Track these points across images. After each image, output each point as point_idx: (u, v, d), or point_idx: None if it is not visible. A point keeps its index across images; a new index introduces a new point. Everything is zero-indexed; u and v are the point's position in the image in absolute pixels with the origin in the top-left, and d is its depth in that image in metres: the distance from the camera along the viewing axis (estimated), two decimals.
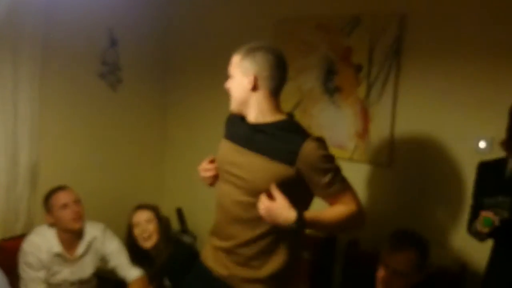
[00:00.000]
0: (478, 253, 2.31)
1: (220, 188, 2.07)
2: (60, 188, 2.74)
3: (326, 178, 1.88)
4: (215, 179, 2.11)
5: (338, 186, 1.90)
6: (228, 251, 2.01)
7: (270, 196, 1.87)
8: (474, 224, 2.13)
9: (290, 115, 2.03)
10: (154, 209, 2.86)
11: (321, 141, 1.91)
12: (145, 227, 2.75)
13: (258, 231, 1.94)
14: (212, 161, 2.13)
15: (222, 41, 3.42)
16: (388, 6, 2.76)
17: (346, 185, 1.93)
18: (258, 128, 1.96)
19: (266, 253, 1.96)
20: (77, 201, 2.73)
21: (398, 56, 2.73)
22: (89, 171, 3.29)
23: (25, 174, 2.89)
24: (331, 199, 1.93)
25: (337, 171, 1.91)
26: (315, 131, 3.00)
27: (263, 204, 1.85)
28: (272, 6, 3.19)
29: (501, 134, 2.15)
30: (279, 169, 1.88)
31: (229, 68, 2.02)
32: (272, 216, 1.85)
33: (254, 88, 1.95)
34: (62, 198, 2.69)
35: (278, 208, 1.84)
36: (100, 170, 3.36)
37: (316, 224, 1.91)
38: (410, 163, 2.77)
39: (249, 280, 1.97)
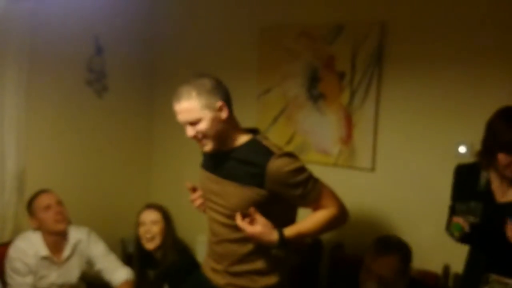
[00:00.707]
0: (460, 255, 2.34)
1: (207, 214, 2.14)
2: (42, 191, 2.77)
3: (299, 191, 1.90)
4: (203, 208, 2.20)
5: (314, 194, 1.94)
6: (224, 271, 2.06)
7: (246, 216, 1.90)
8: (449, 226, 2.16)
9: (254, 131, 2.04)
10: (163, 210, 2.84)
11: (286, 156, 1.90)
12: (149, 227, 2.74)
13: (248, 247, 1.99)
14: (194, 189, 2.20)
15: (207, 48, 3.45)
16: (369, 14, 2.80)
17: (321, 190, 1.96)
18: (226, 156, 1.98)
19: (260, 267, 2.01)
20: (59, 203, 2.76)
21: (380, 63, 2.77)
22: (76, 178, 3.29)
23: (12, 181, 2.89)
24: (311, 206, 1.97)
25: (308, 180, 1.92)
26: (300, 137, 3.05)
27: (246, 231, 1.89)
28: (257, 14, 3.23)
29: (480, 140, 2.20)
30: (252, 192, 1.91)
31: (185, 117, 1.93)
32: (256, 239, 1.91)
33: (227, 115, 1.93)
34: (44, 200, 2.72)
35: (261, 233, 1.89)
36: (86, 177, 3.37)
37: (299, 237, 1.96)
38: (393, 168, 2.82)
39: None
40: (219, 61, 3.36)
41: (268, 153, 1.90)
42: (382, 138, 2.83)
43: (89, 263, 2.87)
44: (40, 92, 3.05)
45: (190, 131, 1.95)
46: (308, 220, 1.99)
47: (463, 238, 2.09)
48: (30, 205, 2.75)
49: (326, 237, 2.93)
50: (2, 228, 2.88)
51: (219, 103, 1.92)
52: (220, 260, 2.07)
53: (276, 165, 1.86)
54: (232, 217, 1.95)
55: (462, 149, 2.57)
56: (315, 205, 1.96)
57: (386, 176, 2.83)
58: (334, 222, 1.99)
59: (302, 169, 1.92)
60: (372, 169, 2.85)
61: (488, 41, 2.49)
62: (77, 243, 2.81)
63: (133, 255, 2.92)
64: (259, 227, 1.88)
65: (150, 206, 2.85)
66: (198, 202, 2.20)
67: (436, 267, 2.64)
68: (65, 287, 2.77)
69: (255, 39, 3.20)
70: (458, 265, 2.46)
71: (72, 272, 2.79)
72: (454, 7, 2.57)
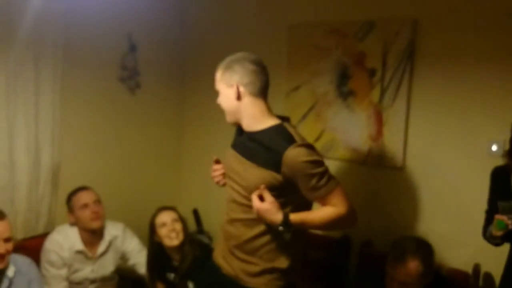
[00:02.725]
0: (491, 254, 2.31)
1: (226, 192, 2.20)
2: (81, 189, 2.82)
3: (312, 183, 1.93)
4: (222, 183, 2.26)
5: (325, 189, 1.95)
6: (231, 249, 2.12)
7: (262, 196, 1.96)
8: (489, 228, 2.13)
9: (284, 119, 2.10)
10: (176, 209, 2.87)
11: (305, 147, 1.94)
12: (172, 226, 2.73)
13: (256, 230, 2.04)
14: (217, 161, 2.30)
15: (238, 46, 3.45)
16: (400, 11, 2.79)
17: (334, 187, 1.96)
18: (250, 136, 2.06)
19: (266, 251, 2.05)
20: (97, 201, 2.80)
21: (411, 59, 2.75)
22: (108, 172, 3.36)
23: (47, 174, 2.96)
24: (320, 201, 1.99)
25: (322, 174, 1.94)
26: (329, 134, 3.05)
27: (254, 204, 1.95)
28: (287, 11, 3.24)
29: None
30: (268, 175, 1.96)
31: (215, 85, 2.11)
32: (261, 216, 1.96)
33: (239, 97, 2.04)
34: (82, 198, 2.77)
35: (267, 209, 1.94)
36: (118, 171, 3.43)
37: (303, 225, 2.00)
38: (423, 166, 2.80)
39: (252, 274, 2.07)
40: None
41: (289, 140, 1.95)
42: (412, 136, 2.81)
43: (123, 258, 2.93)
44: (75, 89, 3.12)
45: (217, 99, 2.11)
46: (314, 212, 2.03)
47: (505, 237, 2.06)
48: (69, 200, 2.81)
49: (355, 233, 2.94)
50: (36, 221, 2.95)
51: (234, 83, 2.03)
52: (229, 240, 2.13)
53: (293, 153, 1.91)
54: (248, 198, 2.00)
55: (494, 147, 2.54)
56: (325, 201, 1.98)
57: (416, 174, 2.81)
58: (339, 221, 2.00)
59: (318, 163, 1.95)
60: (402, 167, 2.84)
61: None
62: (112, 240, 2.87)
63: (149, 262, 2.84)
64: (266, 204, 1.93)
65: (164, 207, 2.83)
66: (219, 172, 2.27)
67: (466, 266, 2.61)
68: (98, 281, 2.83)
69: (285, 36, 3.21)
70: (488, 264, 2.43)
71: (107, 267, 2.84)
72: (486, 2, 2.55)
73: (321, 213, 1.99)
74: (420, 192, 2.81)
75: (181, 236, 2.74)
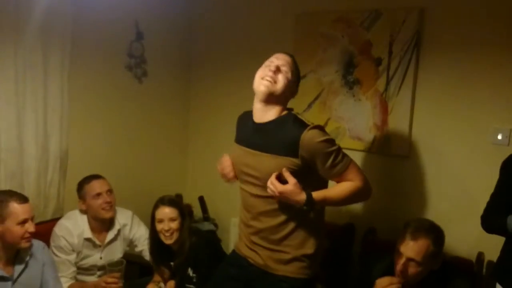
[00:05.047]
0: (495, 243, 2.32)
1: (241, 189, 2.24)
2: (94, 177, 2.81)
3: (329, 161, 2.02)
4: (232, 175, 2.30)
5: (341, 165, 2.04)
6: (258, 241, 2.17)
7: (279, 177, 2.02)
8: (509, 221, 2.10)
9: (290, 109, 2.18)
10: (177, 204, 2.79)
11: (318, 128, 2.03)
12: (169, 225, 2.68)
13: (281, 218, 2.10)
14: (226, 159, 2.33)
15: (244, 34, 3.49)
16: (407, 0, 2.78)
17: (349, 163, 2.06)
18: (260, 127, 2.11)
19: (293, 238, 2.12)
20: (110, 191, 2.82)
21: (418, 49, 2.76)
22: (116, 159, 3.40)
23: (55, 161, 2.99)
24: (337, 178, 2.08)
25: (338, 152, 2.04)
26: (334, 123, 3.07)
27: (277, 189, 1.99)
28: (292, 0, 3.25)
29: None
30: (286, 162, 2.02)
31: (282, 62, 2.13)
32: (285, 198, 2.01)
33: (292, 89, 2.15)
34: (96, 187, 2.77)
35: (291, 191, 1.99)
36: (125, 158, 3.47)
37: (325, 202, 2.08)
38: (428, 155, 2.81)
39: (283, 262, 2.13)
40: (255, 48, 3.39)
41: (302, 125, 2.04)
42: (417, 125, 2.83)
43: (131, 245, 2.97)
44: (82, 77, 3.14)
45: (277, 67, 2.11)
46: (334, 188, 2.10)
47: None
48: (81, 188, 2.80)
49: (359, 221, 2.97)
50: (45, 206, 2.99)
51: (298, 81, 2.22)
52: (256, 233, 2.18)
53: (310, 135, 1.99)
54: (265, 188, 2.05)
55: (499, 137, 2.55)
56: (341, 177, 2.07)
57: (421, 163, 2.83)
58: (358, 194, 2.09)
59: (332, 141, 2.05)
60: (407, 155, 2.85)
61: None
62: (121, 228, 2.89)
63: (151, 249, 2.82)
64: (289, 185, 1.99)
65: (166, 201, 2.75)
66: (227, 170, 2.29)
67: (469, 254, 2.63)
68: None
69: (291, 25, 3.22)
70: (492, 253, 2.45)
71: (115, 254, 2.86)
72: None
73: (340, 188, 2.07)
74: (424, 181, 2.83)
75: (175, 236, 2.69)
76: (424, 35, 2.75)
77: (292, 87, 2.15)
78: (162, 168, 3.73)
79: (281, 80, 2.09)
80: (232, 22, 3.56)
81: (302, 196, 2.00)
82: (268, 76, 2.08)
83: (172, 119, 3.80)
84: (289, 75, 2.11)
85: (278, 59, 2.13)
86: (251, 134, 2.16)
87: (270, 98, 2.09)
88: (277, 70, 2.09)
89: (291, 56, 2.19)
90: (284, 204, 2.06)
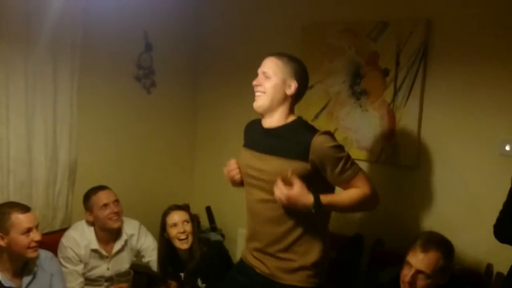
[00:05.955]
0: (504, 254, 2.31)
1: (247, 193, 2.24)
2: (100, 188, 2.82)
3: (339, 167, 2.02)
4: (238, 177, 2.29)
5: (350, 172, 2.04)
6: (265, 249, 2.16)
7: (286, 182, 2.00)
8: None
9: (299, 116, 2.19)
10: (187, 209, 2.85)
11: (328, 134, 2.05)
12: (183, 228, 2.70)
13: (287, 225, 2.09)
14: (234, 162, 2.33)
15: (251, 45, 3.50)
16: (414, 11, 2.79)
17: (357, 170, 2.06)
18: (270, 132, 2.13)
19: (299, 245, 2.11)
20: (117, 201, 2.82)
21: (425, 59, 2.76)
22: (124, 169, 3.40)
23: (64, 171, 3.00)
24: (345, 185, 2.07)
25: (347, 158, 2.04)
26: (342, 133, 3.07)
27: (283, 192, 1.97)
28: (300, 11, 3.26)
29: None
30: (296, 166, 2.02)
31: (265, 67, 2.13)
32: (292, 202, 1.99)
33: (292, 94, 2.11)
34: (103, 198, 2.77)
35: (298, 195, 1.98)
36: (134, 169, 3.48)
37: (332, 207, 2.07)
38: (436, 166, 2.80)
39: (289, 271, 2.12)
40: (262, 59, 3.38)
41: (313, 130, 2.07)
42: (425, 136, 2.82)
43: (138, 255, 2.97)
44: (92, 87, 3.15)
45: (258, 80, 2.14)
46: (342, 193, 2.09)
47: None
48: (87, 200, 2.80)
49: (367, 232, 2.95)
50: (53, 217, 2.99)
51: (292, 82, 2.11)
52: (261, 240, 2.17)
53: (319, 140, 2.00)
54: (272, 192, 2.03)
55: (507, 147, 2.54)
56: (349, 184, 2.06)
57: (429, 173, 2.82)
58: (365, 202, 2.07)
59: (342, 148, 2.06)
60: (415, 167, 2.85)
61: None
62: (128, 239, 2.89)
63: (160, 260, 2.83)
64: (297, 189, 1.97)
65: (176, 207, 2.79)
66: (234, 172, 2.30)
67: (478, 266, 2.61)
68: (115, 276, 2.86)
69: (298, 35, 3.23)
70: (501, 264, 2.43)
71: (122, 264, 2.86)
72: (499, 2, 2.54)
73: (348, 193, 2.07)
74: (433, 192, 2.82)
75: (190, 239, 2.71)
76: (431, 46, 2.75)
77: (283, 87, 2.10)
78: (169, 178, 3.74)
79: (267, 87, 2.10)
80: (240, 34, 3.58)
81: (310, 198, 1.97)
82: (256, 92, 2.13)
83: (180, 129, 3.81)
84: (275, 78, 2.09)
85: (262, 67, 2.15)
86: (260, 138, 2.17)
87: (268, 109, 2.12)
88: (261, 79, 2.12)
89: (279, 55, 2.15)
90: (289, 210, 2.05)
